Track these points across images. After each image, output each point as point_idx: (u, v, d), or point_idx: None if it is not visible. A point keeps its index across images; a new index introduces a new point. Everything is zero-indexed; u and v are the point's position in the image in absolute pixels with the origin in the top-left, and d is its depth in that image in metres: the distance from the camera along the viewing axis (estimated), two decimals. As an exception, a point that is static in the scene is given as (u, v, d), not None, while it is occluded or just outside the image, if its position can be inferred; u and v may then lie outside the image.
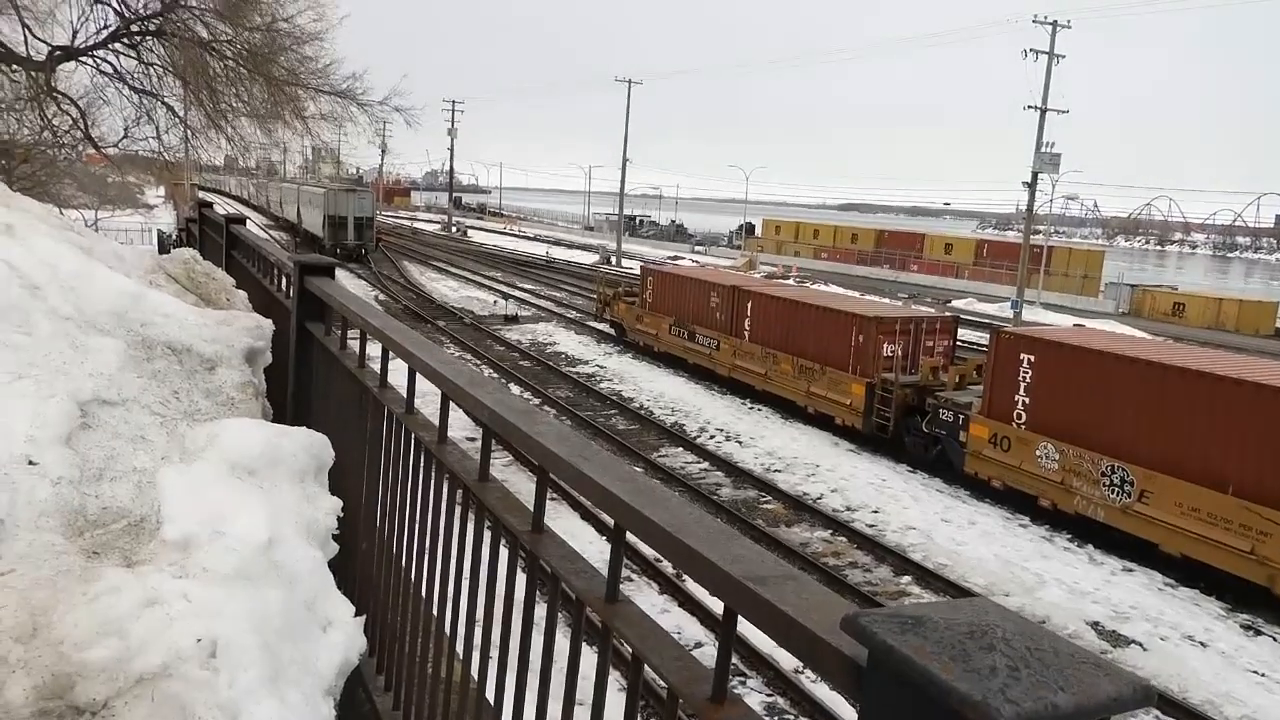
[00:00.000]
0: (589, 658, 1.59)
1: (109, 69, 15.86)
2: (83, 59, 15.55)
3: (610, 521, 1.52)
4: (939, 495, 17.08)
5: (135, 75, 16.01)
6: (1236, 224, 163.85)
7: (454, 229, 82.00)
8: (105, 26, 15.42)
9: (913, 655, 0.82)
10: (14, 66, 14.86)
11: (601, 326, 31.86)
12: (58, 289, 3.42)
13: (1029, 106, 40.12)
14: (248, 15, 16.36)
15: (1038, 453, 16.01)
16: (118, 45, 15.65)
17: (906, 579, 13.41)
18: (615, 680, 2.38)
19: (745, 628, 1.22)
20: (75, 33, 15.31)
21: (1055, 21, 39.29)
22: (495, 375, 24.15)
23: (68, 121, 16.32)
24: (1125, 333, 25.54)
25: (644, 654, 1.38)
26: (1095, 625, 12.24)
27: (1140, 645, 11.76)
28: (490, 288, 41.68)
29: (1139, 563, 14.18)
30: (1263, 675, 11.22)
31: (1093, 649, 11.95)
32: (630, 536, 1.50)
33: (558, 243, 73.83)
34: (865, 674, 0.91)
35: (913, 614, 0.88)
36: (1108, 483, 14.84)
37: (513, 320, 33.38)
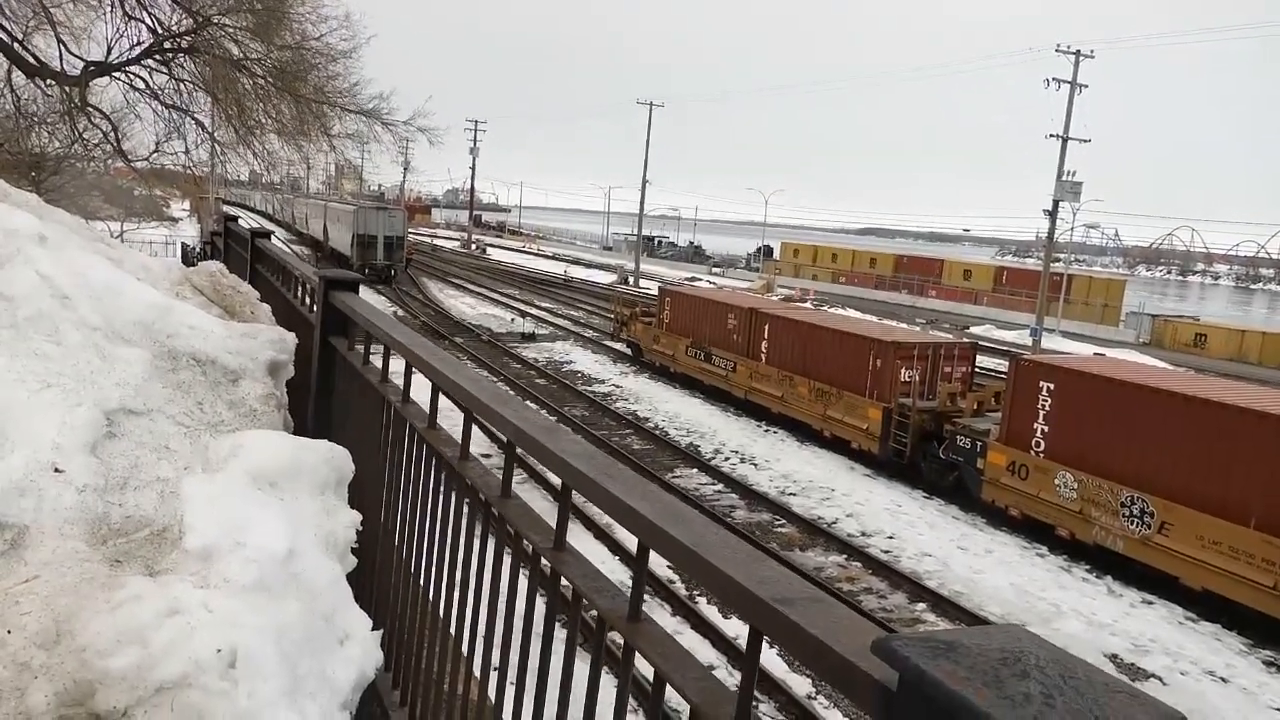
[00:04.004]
0: (608, 677, 1.59)
1: (141, 84, 16.13)
2: (116, 74, 15.82)
3: (634, 540, 1.51)
4: (955, 522, 16.92)
5: (166, 91, 16.28)
6: (1260, 255, 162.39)
7: (474, 246, 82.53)
8: (139, 43, 15.70)
9: (945, 680, 0.81)
10: (49, 81, 15.14)
11: (618, 346, 31.90)
12: (87, 299, 3.47)
13: (1051, 135, 40.10)
14: (279, 34, 16.63)
15: (1056, 481, 15.85)
16: (150, 61, 15.92)
17: (921, 606, 13.26)
18: (632, 701, 2.37)
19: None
20: (109, 49, 15.61)
21: (1078, 51, 39.32)
22: (512, 393, 24.17)
23: (98, 135, 16.60)
24: (1146, 363, 25.31)
25: (667, 674, 1.37)
26: (1114, 658, 12.05)
27: (1159, 679, 11.57)
28: (508, 305, 41.86)
29: (1159, 595, 13.97)
30: (1286, 714, 11.00)
31: (1112, 683, 11.86)
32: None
33: (576, 262, 74.13)
34: (895, 698, 0.91)
35: (945, 639, 0.88)
36: (1127, 513, 14.66)
37: (530, 338, 33.49)
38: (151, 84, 16.16)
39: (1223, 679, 11.69)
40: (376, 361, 3.24)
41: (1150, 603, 13.84)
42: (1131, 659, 12.05)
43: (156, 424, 3.09)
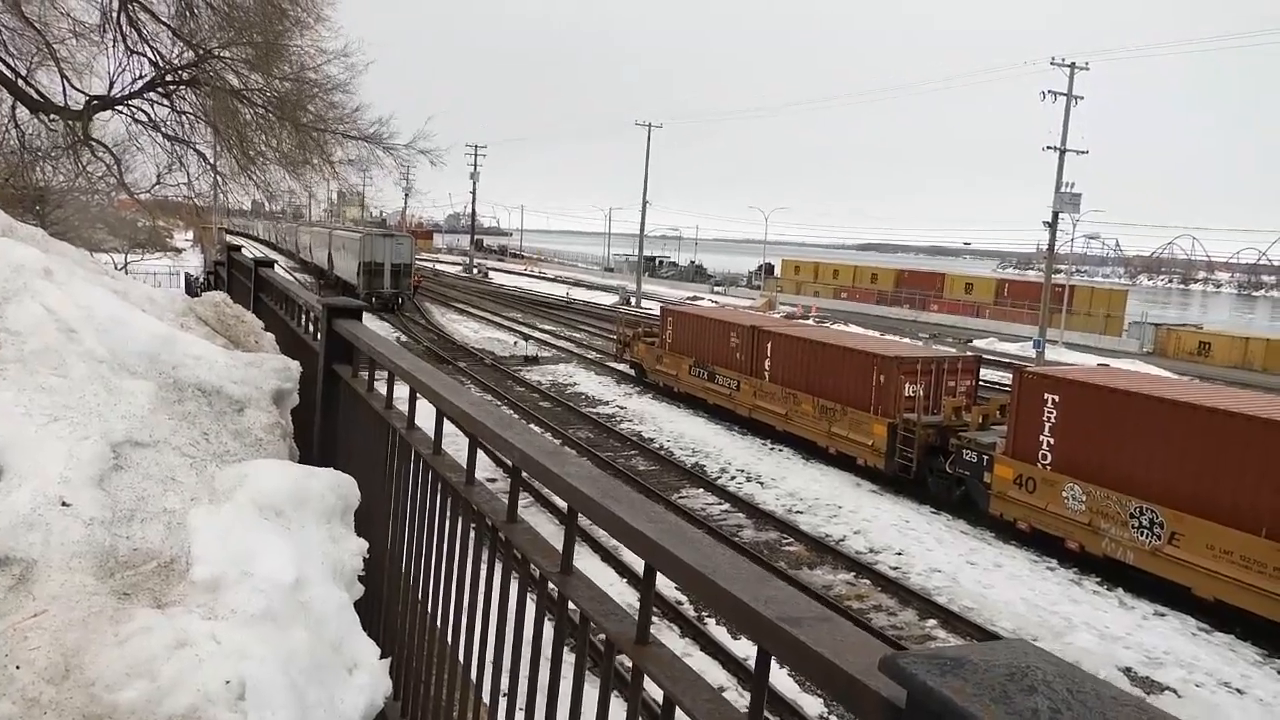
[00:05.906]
0: (617, 701, 1.59)
1: (143, 117, 16.27)
2: (118, 108, 15.97)
3: (639, 562, 1.52)
4: (963, 537, 16.84)
5: (168, 123, 16.42)
6: (1261, 262, 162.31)
7: (475, 270, 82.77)
8: (140, 77, 15.85)
9: (953, 697, 0.81)
10: (52, 115, 15.28)
11: (621, 367, 31.91)
12: (93, 332, 3.49)
13: (1048, 147, 40.23)
14: (278, 65, 16.78)
15: (1064, 494, 15.78)
16: (152, 94, 16.07)
17: (932, 623, 13.18)
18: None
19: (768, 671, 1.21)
20: (112, 83, 15.77)
21: (1073, 64, 39.51)
22: (516, 416, 24.19)
23: (101, 168, 16.72)
24: (1151, 372, 25.26)
25: (676, 696, 1.37)
26: (1127, 671, 11.95)
27: (1175, 692, 11.46)
28: (511, 329, 41.93)
29: (1171, 607, 13.87)
30: (1304, 725, 10.89)
31: (1126, 696, 11.98)
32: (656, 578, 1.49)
33: (578, 284, 74.32)
34: (904, 716, 0.91)
35: (952, 655, 0.88)
36: (1136, 524, 14.58)
37: (533, 361, 33.52)
38: (154, 116, 16.31)
39: (1238, 690, 11.59)
40: (381, 388, 3.25)
41: (1162, 615, 13.74)
42: (1146, 672, 11.94)
43: (163, 455, 3.10)
